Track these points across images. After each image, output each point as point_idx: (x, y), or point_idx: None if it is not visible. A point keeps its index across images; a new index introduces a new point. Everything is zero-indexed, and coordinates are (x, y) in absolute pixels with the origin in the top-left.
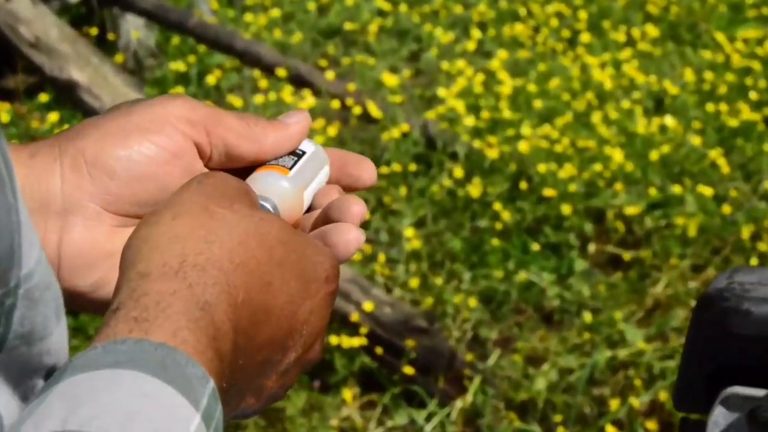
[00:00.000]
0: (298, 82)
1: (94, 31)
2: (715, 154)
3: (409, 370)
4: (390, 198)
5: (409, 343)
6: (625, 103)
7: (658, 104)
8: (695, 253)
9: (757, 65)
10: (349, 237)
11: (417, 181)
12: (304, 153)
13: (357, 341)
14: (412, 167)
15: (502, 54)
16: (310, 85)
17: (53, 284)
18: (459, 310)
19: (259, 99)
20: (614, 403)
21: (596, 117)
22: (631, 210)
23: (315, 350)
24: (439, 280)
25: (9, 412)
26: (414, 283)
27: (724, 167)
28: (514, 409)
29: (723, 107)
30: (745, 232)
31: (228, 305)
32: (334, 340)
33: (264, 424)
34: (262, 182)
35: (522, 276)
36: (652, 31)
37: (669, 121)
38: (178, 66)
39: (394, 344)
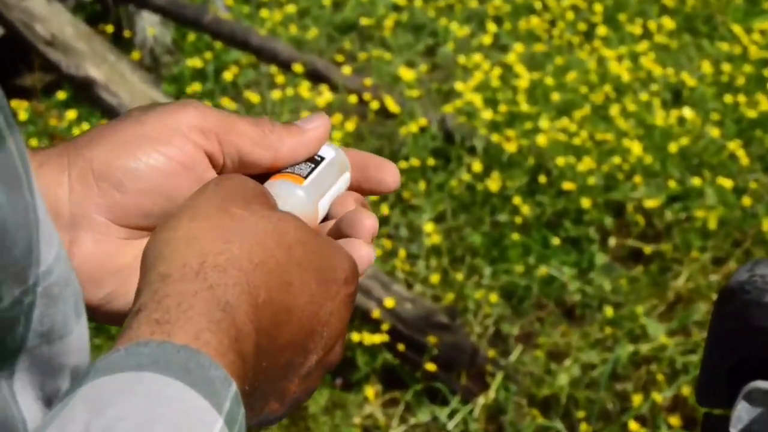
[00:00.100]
0: (315, 77)
1: (109, 28)
2: (734, 146)
3: (431, 366)
4: (409, 193)
5: (431, 339)
6: (643, 96)
7: (676, 96)
8: (716, 245)
9: None
10: (361, 254)
11: (436, 176)
12: (322, 159)
13: (378, 338)
14: (431, 162)
15: (518, 47)
16: (327, 81)
17: (72, 281)
18: (480, 306)
19: (276, 94)
20: (637, 399)
21: (614, 110)
22: (650, 203)
23: (336, 352)
24: (459, 276)
25: (32, 416)
26: (435, 278)
27: (744, 159)
28: (537, 406)
29: (741, 98)
30: (766, 224)
31: (249, 306)
32: (355, 337)
33: (286, 423)
34: (275, 191)
35: (543, 270)
36: (668, 23)
37: (687, 113)
38: (194, 62)
39: (416, 340)
